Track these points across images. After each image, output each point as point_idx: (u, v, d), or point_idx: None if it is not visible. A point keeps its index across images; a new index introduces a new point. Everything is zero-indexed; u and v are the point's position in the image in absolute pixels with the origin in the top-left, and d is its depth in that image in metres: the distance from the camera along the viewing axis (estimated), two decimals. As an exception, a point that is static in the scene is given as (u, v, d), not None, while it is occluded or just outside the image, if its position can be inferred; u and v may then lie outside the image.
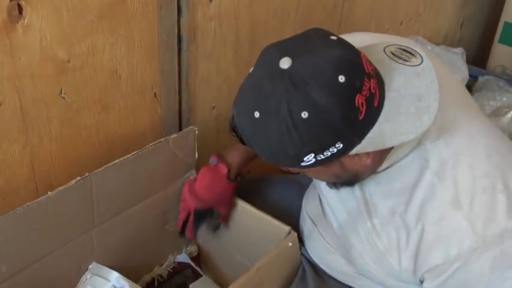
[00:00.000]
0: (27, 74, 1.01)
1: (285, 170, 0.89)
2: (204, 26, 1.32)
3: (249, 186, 1.31)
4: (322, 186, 1.05)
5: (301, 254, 1.17)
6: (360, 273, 1.05)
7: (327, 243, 1.10)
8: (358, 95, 0.74)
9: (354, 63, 0.75)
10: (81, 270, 1.15)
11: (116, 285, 1.13)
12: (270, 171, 1.62)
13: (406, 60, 0.82)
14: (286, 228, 1.13)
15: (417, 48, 0.85)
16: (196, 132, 1.26)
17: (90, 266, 1.16)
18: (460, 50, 2.35)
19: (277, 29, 1.53)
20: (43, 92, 1.05)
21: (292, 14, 1.56)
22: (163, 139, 1.20)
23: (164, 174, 1.24)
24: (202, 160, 1.30)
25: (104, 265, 1.16)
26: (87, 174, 1.06)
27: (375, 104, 0.77)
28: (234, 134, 0.86)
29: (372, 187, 0.94)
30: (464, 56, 2.35)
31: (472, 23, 2.69)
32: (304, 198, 1.22)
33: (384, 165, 0.90)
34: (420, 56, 0.83)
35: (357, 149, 0.78)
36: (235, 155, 1.21)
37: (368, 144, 0.78)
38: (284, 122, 0.74)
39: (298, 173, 0.96)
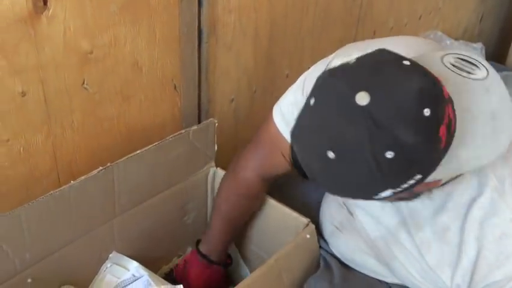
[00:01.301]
0: (51, 64, 1.03)
1: None
2: (224, 18, 1.33)
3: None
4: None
5: (321, 248, 1.17)
6: (398, 279, 1.04)
7: (356, 241, 1.08)
8: (442, 125, 0.68)
9: (436, 92, 0.68)
10: (101, 259, 1.16)
11: (136, 274, 1.15)
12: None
13: (470, 73, 0.76)
14: (305, 220, 1.14)
15: (477, 57, 0.79)
16: (216, 124, 1.26)
17: (110, 255, 1.17)
18: (479, 45, 2.33)
19: (297, 22, 1.54)
20: (66, 83, 1.07)
21: (312, 7, 1.56)
22: (183, 131, 1.21)
23: (183, 165, 1.25)
24: (220, 152, 1.31)
25: (124, 254, 1.18)
26: (109, 164, 1.07)
27: (452, 129, 0.71)
28: (294, 166, 0.79)
29: (424, 202, 0.90)
30: (484, 51, 2.33)
31: (491, 17, 2.67)
32: (323, 203, 1.21)
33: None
34: (484, 67, 0.77)
35: (433, 176, 0.72)
36: (216, 247, 1.23)
37: (444, 170, 0.73)
38: (366, 163, 0.67)
39: None
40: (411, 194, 0.83)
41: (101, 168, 1.06)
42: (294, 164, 0.78)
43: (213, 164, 1.32)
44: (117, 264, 1.17)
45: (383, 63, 0.70)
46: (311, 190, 1.31)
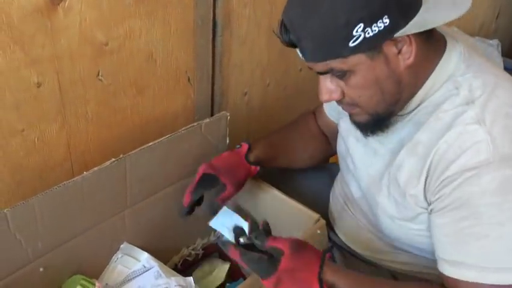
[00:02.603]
0: (66, 55, 1.03)
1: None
2: (239, 11, 1.33)
3: (280, 173, 1.32)
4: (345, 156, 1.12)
5: (329, 239, 1.18)
6: (389, 244, 1.08)
7: (358, 219, 1.13)
8: None
9: None
10: (113, 249, 1.17)
11: (146, 265, 1.16)
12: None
13: None
14: (316, 215, 1.14)
15: None
16: (228, 117, 1.27)
17: (121, 246, 1.18)
18: (495, 42, 2.31)
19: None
20: (81, 74, 1.07)
21: (327, 2, 1.55)
22: (195, 123, 1.21)
23: (195, 158, 1.25)
24: (232, 145, 1.31)
25: (135, 245, 1.19)
26: (121, 155, 1.08)
27: None
28: (280, 38, 0.88)
29: (404, 132, 0.96)
30: (500, 48, 2.31)
31: (508, 14, 2.64)
32: (335, 182, 1.24)
33: (416, 99, 0.93)
34: None
35: (403, 31, 0.82)
36: (262, 143, 1.21)
37: (412, 27, 0.82)
38: None
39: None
40: (390, 77, 0.88)
41: (113, 159, 1.06)
42: (280, 36, 0.88)
43: (225, 157, 1.32)
44: (128, 255, 1.18)
45: None
46: (323, 186, 1.31)
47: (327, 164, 1.44)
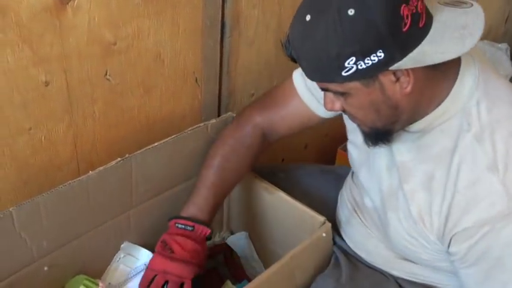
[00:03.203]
0: (74, 54, 1.03)
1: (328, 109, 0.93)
2: (248, 12, 1.32)
3: (286, 175, 1.31)
4: (358, 167, 1.10)
5: (335, 243, 1.17)
6: (398, 255, 1.07)
7: (367, 227, 1.12)
8: (404, 5, 0.77)
9: None
10: (117, 249, 1.17)
11: (147, 263, 1.15)
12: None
13: (457, 6, 0.86)
14: (321, 218, 1.13)
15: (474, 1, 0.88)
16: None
17: (122, 245, 1.18)
18: (504, 46, 2.30)
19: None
20: (89, 73, 1.07)
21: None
22: (201, 124, 1.21)
23: (201, 158, 1.25)
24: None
25: (140, 245, 1.19)
26: (127, 155, 1.08)
27: (420, 25, 0.79)
28: (284, 51, 0.89)
29: (412, 153, 0.96)
30: (509, 52, 2.30)
31: (517, 18, 2.63)
32: (344, 186, 1.23)
33: (425, 121, 0.91)
34: (472, 4, 0.86)
35: (398, 64, 0.79)
36: (205, 209, 1.10)
37: (408, 62, 0.80)
38: (332, 19, 0.77)
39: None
40: (386, 102, 0.86)
41: (119, 159, 1.07)
42: (285, 50, 0.88)
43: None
44: (130, 254, 1.17)
45: None
46: (330, 187, 1.31)
47: (334, 166, 1.44)
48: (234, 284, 1.31)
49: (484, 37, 2.42)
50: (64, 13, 0.98)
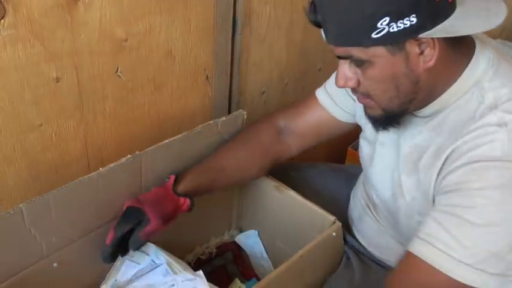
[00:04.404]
0: (85, 51, 1.03)
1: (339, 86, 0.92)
2: (259, 9, 1.32)
3: (296, 174, 1.31)
4: (369, 162, 1.10)
5: (346, 242, 1.17)
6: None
7: (379, 223, 1.12)
8: None
9: None
10: (126, 246, 1.17)
11: (155, 260, 1.14)
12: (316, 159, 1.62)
13: None
14: (331, 217, 1.13)
15: None
16: (245, 116, 1.26)
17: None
18: (517, 45, 2.28)
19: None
20: (100, 70, 1.07)
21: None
22: (212, 121, 1.21)
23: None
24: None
25: (148, 241, 1.18)
26: (137, 152, 1.08)
27: (450, 0, 0.81)
28: (307, 16, 0.88)
29: (423, 134, 0.95)
30: (522, 51, 2.27)
31: (531, 17, 2.60)
32: (356, 184, 1.23)
33: (438, 103, 0.91)
34: None
35: (428, 33, 0.80)
36: (192, 172, 1.12)
37: (439, 31, 0.80)
38: None
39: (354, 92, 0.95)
40: (407, 76, 0.86)
41: (129, 156, 1.06)
42: (308, 12, 0.87)
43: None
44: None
45: None
46: (340, 186, 1.30)
47: (345, 165, 1.43)
48: (242, 282, 1.31)
49: (498, 36, 2.40)
50: (75, 9, 0.97)
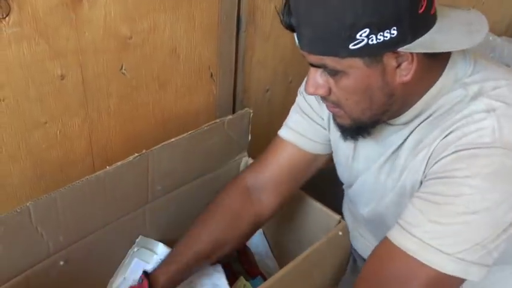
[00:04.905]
0: (90, 48, 1.03)
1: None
2: (264, 7, 1.31)
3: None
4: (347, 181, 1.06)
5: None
6: None
7: (367, 240, 1.10)
8: None
9: None
10: (132, 244, 1.17)
11: (162, 258, 1.15)
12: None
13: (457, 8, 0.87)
14: (337, 216, 1.13)
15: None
16: (251, 114, 1.26)
17: (137, 240, 1.18)
18: (522, 42, 2.27)
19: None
20: (104, 67, 1.07)
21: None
22: (218, 120, 1.20)
23: (217, 154, 1.25)
24: (253, 142, 1.30)
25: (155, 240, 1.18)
26: (144, 151, 1.07)
27: (432, 12, 0.78)
28: (280, 18, 0.84)
29: (399, 141, 0.91)
30: (526, 48, 2.27)
31: (535, 14, 2.59)
32: (344, 202, 1.21)
33: (414, 111, 0.87)
34: (469, 8, 0.88)
35: (407, 47, 0.76)
36: (166, 273, 1.02)
37: (418, 45, 0.77)
38: None
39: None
40: (382, 89, 0.82)
41: (136, 155, 1.06)
42: (281, 18, 0.83)
43: (246, 153, 1.31)
44: (144, 247, 1.17)
45: None
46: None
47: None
48: (247, 280, 1.31)
49: (503, 33, 2.39)
50: (80, 7, 0.97)
